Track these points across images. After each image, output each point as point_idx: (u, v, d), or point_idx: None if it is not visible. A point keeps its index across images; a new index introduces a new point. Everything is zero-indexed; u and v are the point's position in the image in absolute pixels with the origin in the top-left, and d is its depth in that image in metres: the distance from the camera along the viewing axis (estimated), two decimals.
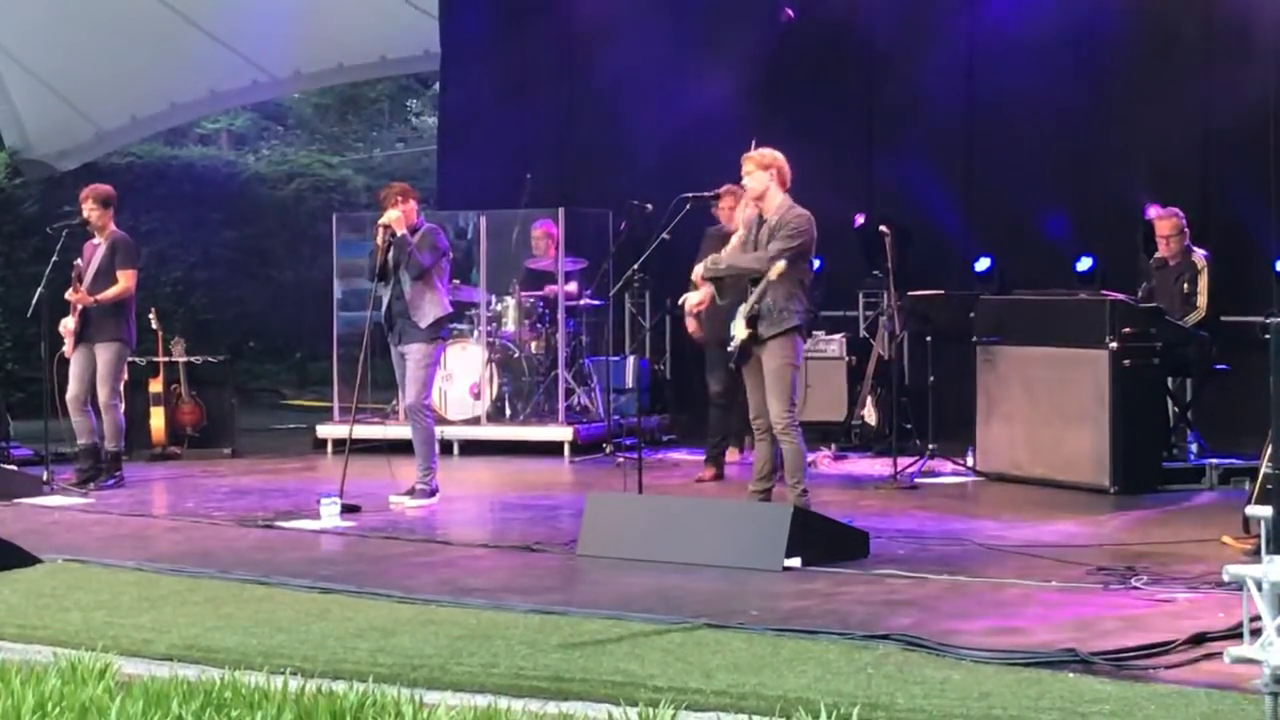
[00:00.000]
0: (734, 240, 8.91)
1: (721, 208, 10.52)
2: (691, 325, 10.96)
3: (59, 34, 14.80)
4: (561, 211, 12.71)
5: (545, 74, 14.89)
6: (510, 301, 12.85)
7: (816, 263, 9.59)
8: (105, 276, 10.64)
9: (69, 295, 10.60)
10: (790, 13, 13.43)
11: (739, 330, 8.17)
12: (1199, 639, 5.57)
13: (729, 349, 8.33)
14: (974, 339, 10.60)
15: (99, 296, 10.56)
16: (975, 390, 10.58)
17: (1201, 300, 10.48)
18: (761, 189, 8.28)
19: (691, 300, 9.00)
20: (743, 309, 8.17)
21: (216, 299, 18.35)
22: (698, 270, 8.73)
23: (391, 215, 9.69)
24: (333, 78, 18.45)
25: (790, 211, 8.22)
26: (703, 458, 11.08)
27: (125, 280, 10.66)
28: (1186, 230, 10.69)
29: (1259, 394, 5.82)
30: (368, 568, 7.52)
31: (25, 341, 15.55)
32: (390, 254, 9.69)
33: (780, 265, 8.04)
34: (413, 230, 9.76)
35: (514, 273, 13.04)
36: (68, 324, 10.61)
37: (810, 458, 9.50)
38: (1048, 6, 12.41)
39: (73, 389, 10.58)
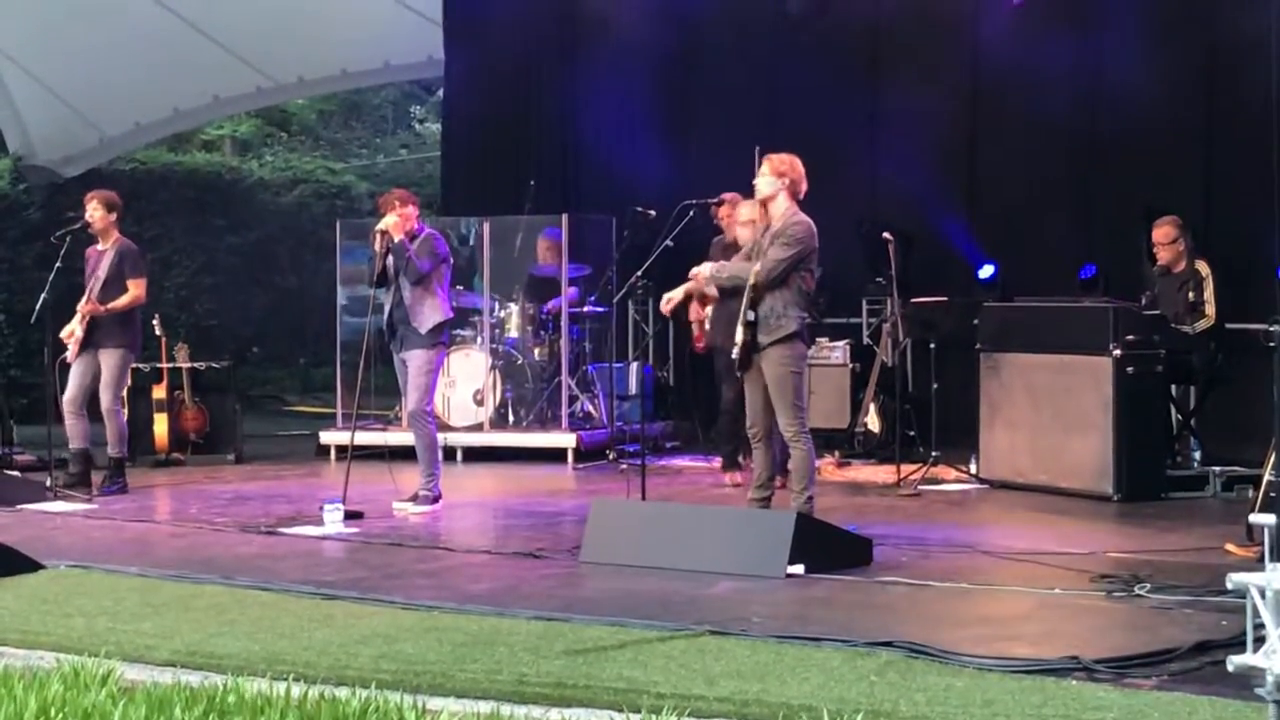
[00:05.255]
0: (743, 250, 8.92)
1: (721, 215, 10.54)
2: (697, 333, 10.96)
3: (63, 40, 14.81)
4: (565, 218, 12.71)
5: (549, 80, 14.89)
6: (514, 308, 12.85)
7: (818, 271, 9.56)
8: (114, 285, 10.64)
9: (80, 306, 10.58)
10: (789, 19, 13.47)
11: (737, 335, 8.17)
12: (1202, 647, 5.56)
13: (731, 355, 8.33)
14: (977, 346, 10.60)
15: (110, 306, 10.57)
16: (978, 397, 10.58)
17: (1210, 309, 10.43)
18: (770, 193, 8.23)
19: (671, 300, 8.73)
20: (742, 315, 8.17)
21: (220, 305, 18.33)
22: (700, 269, 8.66)
23: (389, 221, 9.68)
24: (336, 84, 18.45)
25: (791, 219, 8.18)
26: (708, 465, 11.03)
27: (135, 289, 10.67)
28: (1184, 237, 10.65)
29: (1263, 401, 5.82)
30: (370, 574, 7.52)
31: (29, 348, 15.56)
32: (389, 260, 9.70)
33: (757, 268, 8.02)
34: (412, 236, 9.75)
35: (518, 279, 13.04)
36: (76, 330, 10.59)
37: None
38: (1051, 15, 12.41)
39: (70, 391, 10.58)
